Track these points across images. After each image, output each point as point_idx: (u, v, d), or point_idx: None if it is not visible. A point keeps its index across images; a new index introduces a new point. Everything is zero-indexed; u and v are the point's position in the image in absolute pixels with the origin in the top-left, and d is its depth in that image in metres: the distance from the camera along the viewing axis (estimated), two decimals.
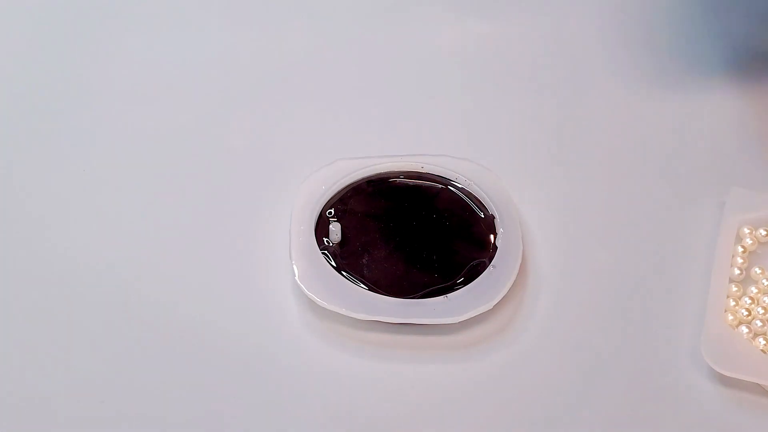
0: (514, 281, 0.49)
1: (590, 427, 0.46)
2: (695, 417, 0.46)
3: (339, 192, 0.52)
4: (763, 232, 0.52)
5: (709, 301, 0.49)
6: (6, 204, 0.54)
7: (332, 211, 0.52)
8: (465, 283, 0.49)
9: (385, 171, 0.53)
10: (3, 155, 0.56)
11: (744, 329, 0.48)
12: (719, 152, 0.56)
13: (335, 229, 0.51)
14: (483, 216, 0.52)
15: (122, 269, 0.51)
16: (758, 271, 0.50)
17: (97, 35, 0.62)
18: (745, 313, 0.49)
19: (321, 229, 0.51)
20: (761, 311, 0.49)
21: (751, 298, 0.49)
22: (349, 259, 0.50)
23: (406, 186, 0.53)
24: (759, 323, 0.48)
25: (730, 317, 0.49)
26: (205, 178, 0.55)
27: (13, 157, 0.56)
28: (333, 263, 0.50)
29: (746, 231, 0.52)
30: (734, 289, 0.50)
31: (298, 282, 0.49)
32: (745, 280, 0.51)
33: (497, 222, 0.52)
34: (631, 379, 0.47)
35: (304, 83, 0.60)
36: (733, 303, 0.49)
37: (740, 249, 0.51)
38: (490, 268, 0.50)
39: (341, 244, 0.51)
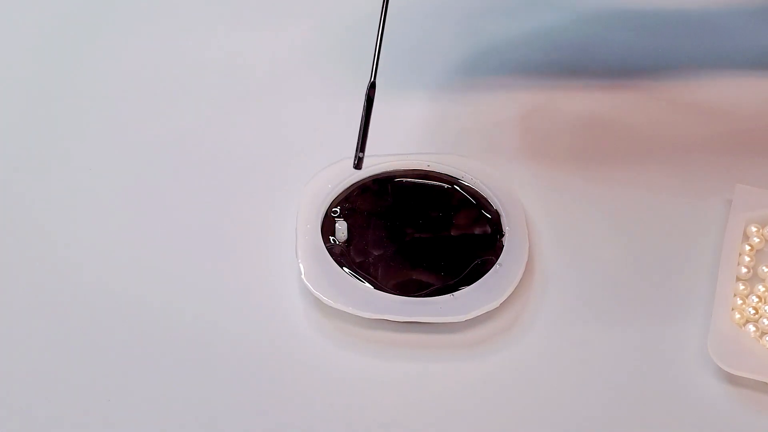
0: (520, 280, 0.49)
1: (596, 425, 0.46)
2: (702, 415, 0.46)
3: (345, 190, 0.52)
4: None
5: (716, 300, 0.48)
6: (12, 202, 0.54)
7: (338, 209, 0.52)
8: (471, 281, 0.49)
9: (391, 169, 0.53)
10: (10, 154, 0.56)
11: (751, 327, 0.48)
12: (725, 150, 0.56)
13: (341, 228, 0.51)
14: (489, 214, 0.52)
15: (128, 268, 0.51)
16: (765, 269, 0.50)
17: (102, 35, 0.62)
18: (753, 311, 0.49)
19: (327, 227, 0.51)
20: None
21: (758, 296, 0.49)
22: (355, 257, 0.50)
23: (412, 184, 0.53)
24: (766, 321, 0.48)
25: (737, 315, 0.48)
26: (211, 177, 0.55)
27: (20, 156, 0.56)
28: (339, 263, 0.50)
29: (753, 229, 0.51)
30: (741, 287, 0.50)
31: (305, 280, 0.49)
32: (753, 279, 0.50)
33: (503, 220, 0.52)
34: (638, 377, 0.47)
35: (310, 81, 0.60)
36: (740, 301, 0.49)
37: (747, 247, 0.51)
38: (496, 267, 0.50)
39: (347, 242, 0.51)
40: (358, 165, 0.47)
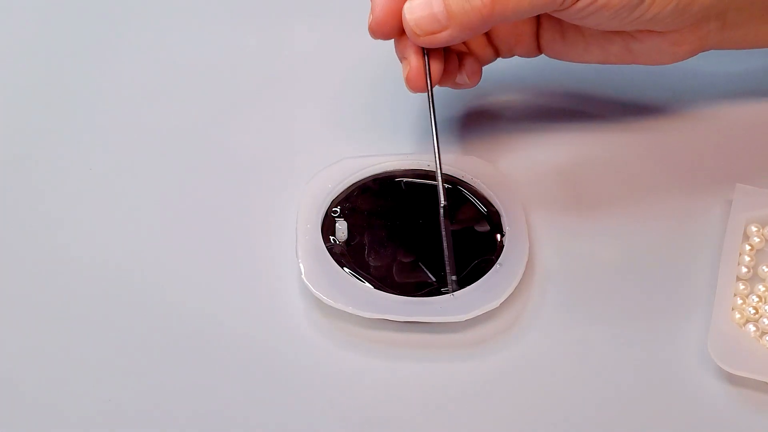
0: (521, 279, 0.49)
1: (596, 425, 0.46)
2: (702, 415, 0.46)
3: (345, 190, 0.52)
4: None
5: (716, 299, 0.48)
6: (14, 202, 0.54)
7: (338, 209, 0.52)
8: (471, 281, 0.49)
9: (391, 169, 0.53)
10: (11, 154, 0.56)
11: (751, 327, 0.48)
12: (725, 150, 0.56)
13: (342, 228, 0.51)
14: (489, 214, 0.52)
15: (129, 268, 0.51)
16: (766, 269, 0.50)
17: (104, 35, 0.62)
18: (753, 311, 0.49)
19: (327, 227, 0.51)
20: None
21: (758, 296, 0.49)
22: (355, 257, 0.50)
23: (413, 184, 0.53)
24: (766, 321, 0.48)
25: (738, 315, 0.48)
26: (211, 177, 0.55)
27: (22, 156, 0.56)
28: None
29: (753, 229, 0.51)
30: (741, 287, 0.50)
31: (305, 280, 0.49)
32: (753, 278, 0.50)
33: (504, 220, 0.52)
34: (638, 376, 0.47)
35: (311, 82, 0.60)
36: (740, 301, 0.49)
37: (747, 247, 0.51)
38: (496, 266, 0.50)
39: (347, 242, 0.51)
40: (453, 289, 0.48)
